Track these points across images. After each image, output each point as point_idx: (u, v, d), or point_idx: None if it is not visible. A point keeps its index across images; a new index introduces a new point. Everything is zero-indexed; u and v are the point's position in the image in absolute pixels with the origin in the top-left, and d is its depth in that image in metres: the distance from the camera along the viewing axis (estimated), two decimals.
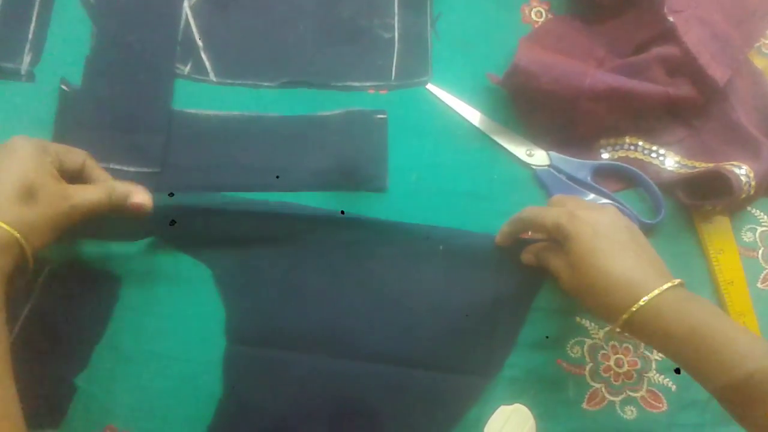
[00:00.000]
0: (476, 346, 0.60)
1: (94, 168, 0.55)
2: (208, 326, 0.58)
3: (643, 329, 0.48)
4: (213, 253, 0.60)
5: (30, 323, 0.57)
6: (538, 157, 0.64)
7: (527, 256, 0.59)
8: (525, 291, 0.61)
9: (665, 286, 0.47)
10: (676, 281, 0.47)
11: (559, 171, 0.63)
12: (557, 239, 0.53)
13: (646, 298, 0.46)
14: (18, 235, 0.46)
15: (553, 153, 0.64)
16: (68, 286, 0.58)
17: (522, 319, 0.60)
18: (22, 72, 0.63)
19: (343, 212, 0.61)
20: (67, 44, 0.64)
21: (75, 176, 0.54)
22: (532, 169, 0.64)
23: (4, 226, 0.45)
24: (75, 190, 0.51)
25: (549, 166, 0.64)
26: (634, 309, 0.47)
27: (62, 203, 0.49)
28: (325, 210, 0.61)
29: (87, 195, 0.51)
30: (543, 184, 0.63)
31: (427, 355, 0.59)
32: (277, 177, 0.62)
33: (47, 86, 0.63)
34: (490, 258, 0.61)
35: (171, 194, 0.58)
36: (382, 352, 0.59)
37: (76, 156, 0.54)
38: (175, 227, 0.58)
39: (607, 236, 0.50)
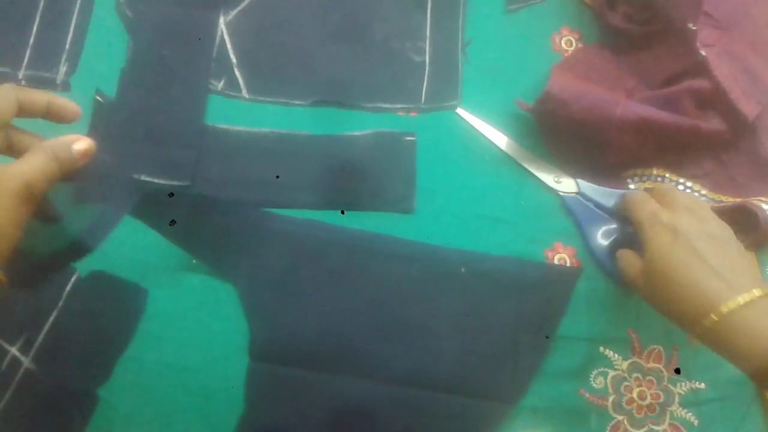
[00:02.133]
0: (499, 371, 0.59)
1: (17, 132, 0.46)
2: (231, 342, 0.58)
3: (722, 341, 0.45)
4: (238, 270, 0.60)
5: (55, 332, 0.57)
6: (566, 184, 0.64)
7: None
8: (549, 317, 0.61)
9: (742, 299, 0.43)
10: (759, 292, 0.44)
11: (587, 199, 0.63)
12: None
13: (724, 309, 0.43)
14: None
15: (581, 180, 0.64)
16: (95, 296, 0.58)
17: (546, 345, 0.60)
18: (58, 81, 0.64)
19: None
20: (103, 55, 0.65)
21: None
22: (560, 196, 0.64)
23: None
24: (15, 166, 0.42)
25: (577, 193, 0.64)
26: (706, 323, 0.44)
27: (11, 185, 0.41)
28: (350, 230, 0.62)
29: (34, 164, 0.42)
30: (570, 211, 0.63)
31: (449, 378, 0.59)
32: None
33: (82, 96, 0.63)
34: (514, 282, 0.61)
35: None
36: (404, 374, 0.59)
37: None
38: (201, 243, 0.58)
39: (687, 243, 0.47)
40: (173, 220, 0.58)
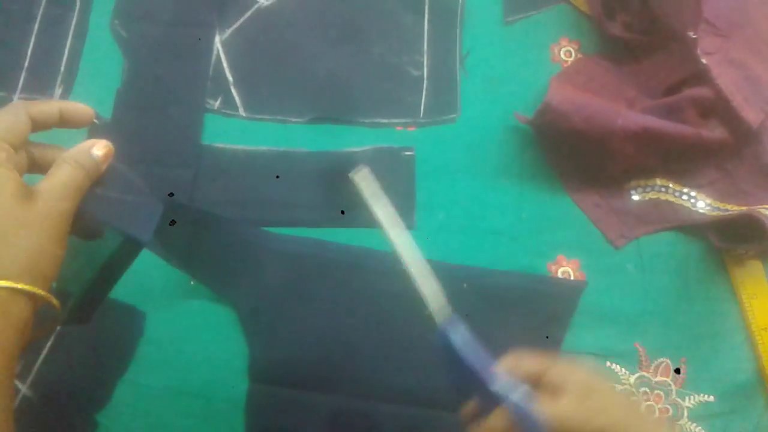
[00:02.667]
0: None
1: (36, 147, 0.43)
2: (231, 365, 0.58)
3: None
4: (237, 290, 0.60)
5: (52, 357, 0.56)
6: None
7: None
8: (553, 331, 0.60)
9: None
10: None
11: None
12: None
13: None
14: (12, 285, 0.37)
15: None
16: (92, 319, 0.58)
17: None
18: None
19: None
20: (98, 77, 0.65)
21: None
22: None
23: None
24: (45, 184, 0.40)
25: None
26: None
27: (47, 203, 0.39)
28: (349, 247, 0.61)
29: (62, 178, 0.41)
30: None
31: (449, 396, 0.58)
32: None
33: None
34: (518, 297, 0.60)
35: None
36: (406, 393, 0.58)
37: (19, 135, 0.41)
38: (199, 265, 0.58)
39: None
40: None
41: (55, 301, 0.40)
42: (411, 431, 0.57)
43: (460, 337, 0.44)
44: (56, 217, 0.40)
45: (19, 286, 0.37)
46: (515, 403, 0.41)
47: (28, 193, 0.39)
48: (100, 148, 0.44)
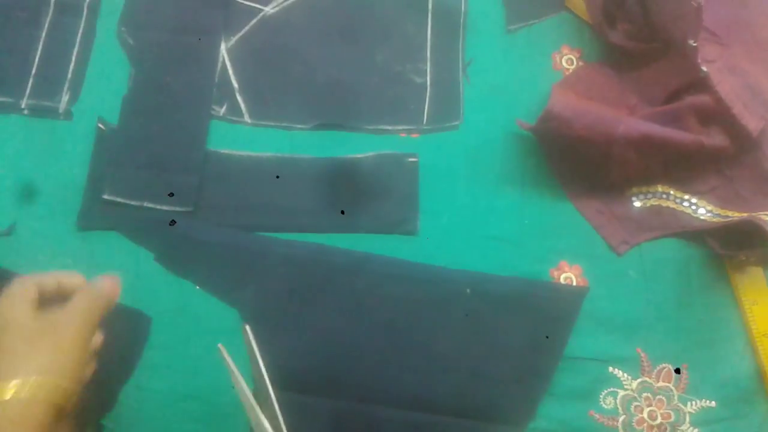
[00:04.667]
0: (505, 393, 0.59)
1: (59, 278, 0.51)
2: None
3: None
4: (242, 296, 0.60)
5: None
6: None
7: None
8: (555, 337, 0.60)
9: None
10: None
11: None
12: None
13: None
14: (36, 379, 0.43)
15: None
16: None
17: (553, 366, 0.59)
18: (60, 110, 0.64)
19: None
20: (105, 84, 0.65)
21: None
22: None
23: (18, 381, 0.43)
24: (67, 310, 0.47)
25: None
26: None
27: (70, 327, 0.47)
28: (354, 252, 0.62)
29: (81, 308, 0.48)
30: None
31: (456, 401, 0.59)
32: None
33: (84, 125, 0.64)
34: (520, 303, 0.61)
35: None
36: (411, 397, 0.58)
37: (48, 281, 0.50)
38: (204, 270, 0.58)
39: None
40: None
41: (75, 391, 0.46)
42: None
43: None
44: (72, 333, 0.46)
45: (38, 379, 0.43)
46: None
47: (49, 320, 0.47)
48: (107, 285, 0.51)
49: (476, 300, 0.61)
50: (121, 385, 0.57)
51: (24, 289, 0.47)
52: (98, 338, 0.52)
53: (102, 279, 0.51)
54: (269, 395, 0.50)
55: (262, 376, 0.50)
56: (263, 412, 0.49)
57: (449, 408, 0.58)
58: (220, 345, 0.50)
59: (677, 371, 0.60)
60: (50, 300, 0.49)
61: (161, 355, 0.58)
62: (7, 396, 0.42)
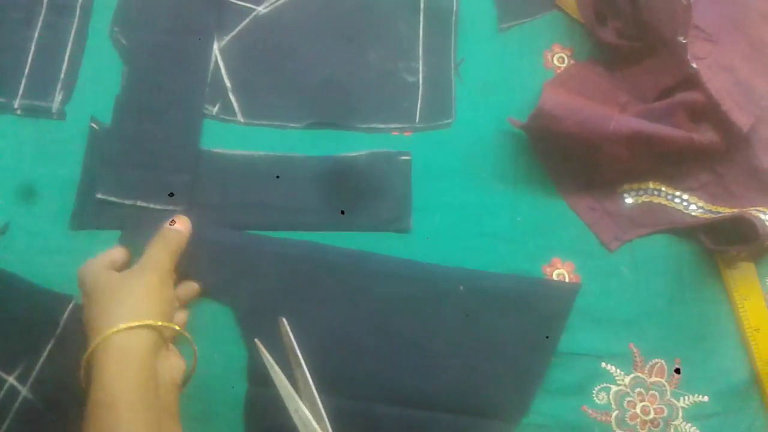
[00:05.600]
0: (499, 389, 0.59)
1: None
2: (230, 367, 0.58)
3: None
4: (235, 293, 0.60)
5: (52, 360, 0.57)
6: None
7: None
8: (548, 333, 0.60)
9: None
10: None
11: None
12: None
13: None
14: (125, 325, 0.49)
15: None
16: None
17: (547, 362, 0.60)
18: (54, 110, 0.64)
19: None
20: (98, 83, 0.66)
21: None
22: None
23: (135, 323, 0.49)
24: (143, 260, 0.55)
25: None
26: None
27: (148, 274, 0.53)
28: (347, 250, 0.62)
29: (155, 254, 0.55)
30: None
31: (449, 398, 0.59)
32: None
33: (78, 124, 0.64)
34: (513, 299, 0.61)
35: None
36: (402, 394, 0.58)
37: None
38: (198, 268, 0.58)
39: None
40: (173, 221, 0.58)
41: (170, 325, 0.52)
42: None
43: None
44: (153, 279, 0.53)
45: (128, 325, 0.49)
46: None
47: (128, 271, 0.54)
48: (181, 223, 0.58)
49: (469, 297, 0.61)
50: None
51: (100, 257, 0.55)
52: (194, 287, 0.59)
53: (171, 220, 0.58)
54: (309, 387, 0.55)
55: (300, 366, 0.55)
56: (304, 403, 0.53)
57: (443, 404, 0.58)
58: (257, 340, 0.55)
59: (677, 371, 0.60)
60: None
61: None
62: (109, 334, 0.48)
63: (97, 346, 0.48)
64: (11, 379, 0.56)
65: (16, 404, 0.56)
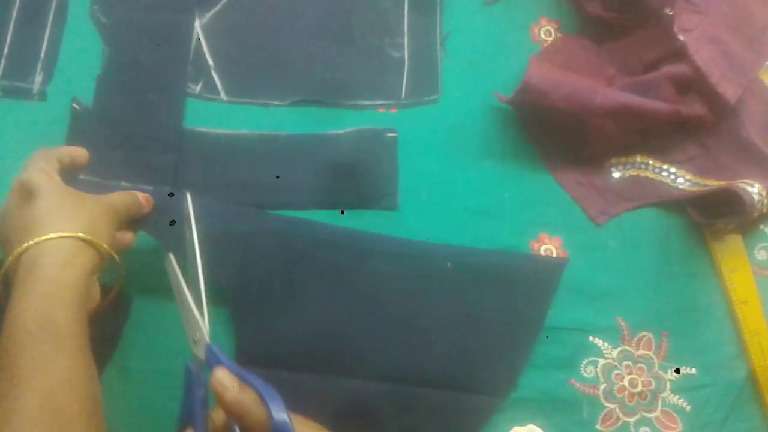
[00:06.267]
0: (487, 364, 0.59)
1: None
2: (219, 346, 0.58)
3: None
4: (224, 272, 0.60)
5: None
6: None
7: None
8: (535, 308, 0.61)
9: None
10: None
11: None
12: None
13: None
14: (79, 234, 0.46)
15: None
16: None
17: (534, 337, 0.60)
18: (34, 91, 0.63)
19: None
20: (78, 63, 0.65)
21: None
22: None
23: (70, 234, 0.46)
24: (100, 196, 0.51)
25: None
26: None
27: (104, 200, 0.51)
28: (334, 227, 0.62)
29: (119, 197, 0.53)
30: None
31: (437, 373, 0.59)
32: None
33: (59, 105, 0.63)
34: (500, 275, 0.61)
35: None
36: (392, 371, 0.58)
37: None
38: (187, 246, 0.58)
39: None
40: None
41: (114, 254, 0.49)
42: (399, 409, 0.58)
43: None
44: (106, 206, 0.50)
45: (82, 235, 0.46)
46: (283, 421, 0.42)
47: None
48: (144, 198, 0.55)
49: (457, 273, 0.61)
50: (103, 364, 0.56)
51: (48, 158, 0.51)
52: (129, 236, 0.54)
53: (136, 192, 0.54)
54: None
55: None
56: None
57: (432, 380, 0.58)
58: (170, 253, 0.51)
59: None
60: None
61: (142, 334, 0.57)
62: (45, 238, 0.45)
63: (44, 242, 0.45)
64: None
65: None
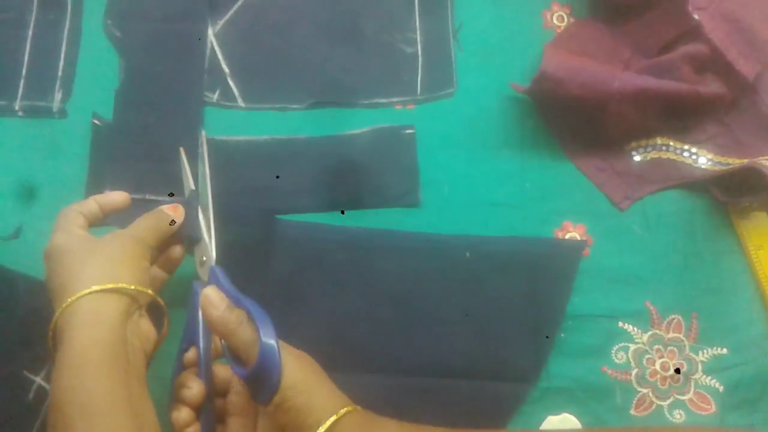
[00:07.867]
0: (513, 350, 0.59)
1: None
2: None
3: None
4: (246, 278, 0.60)
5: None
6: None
7: None
8: (557, 290, 0.61)
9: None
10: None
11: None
12: None
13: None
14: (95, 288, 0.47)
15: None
16: None
17: (558, 319, 0.60)
18: (54, 109, 0.64)
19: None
20: (96, 78, 0.65)
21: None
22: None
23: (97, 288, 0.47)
24: (121, 231, 0.52)
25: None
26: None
27: (126, 239, 0.51)
28: (352, 229, 0.62)
29: (144, 225, 0.53)
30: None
31: (464, 364, 0.59)
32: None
33: (79, 122, 0.64)
34: (519, 261, 0.61)
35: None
36: (419, 364, 0.59)
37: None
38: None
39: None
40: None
41: (146, 290, 0.49)
42: (428, 402, 0.58)
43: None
44: (129, 240, 0.51)
45: (96, 288, 0.46)
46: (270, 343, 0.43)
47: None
48: (174, 210, 0.55)
49: (476, 262, 0.61)
50: None
51: (69, 217, 0.52)
52: (177, 251, 0.55)
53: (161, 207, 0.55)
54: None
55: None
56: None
57: (458, 370, 0.59)
58: (181, 148, 0.57)
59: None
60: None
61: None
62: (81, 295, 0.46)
63: (68, 307, 0.46)
64: (39, 380, 0.57)
65: (46, 404, 0.56)
